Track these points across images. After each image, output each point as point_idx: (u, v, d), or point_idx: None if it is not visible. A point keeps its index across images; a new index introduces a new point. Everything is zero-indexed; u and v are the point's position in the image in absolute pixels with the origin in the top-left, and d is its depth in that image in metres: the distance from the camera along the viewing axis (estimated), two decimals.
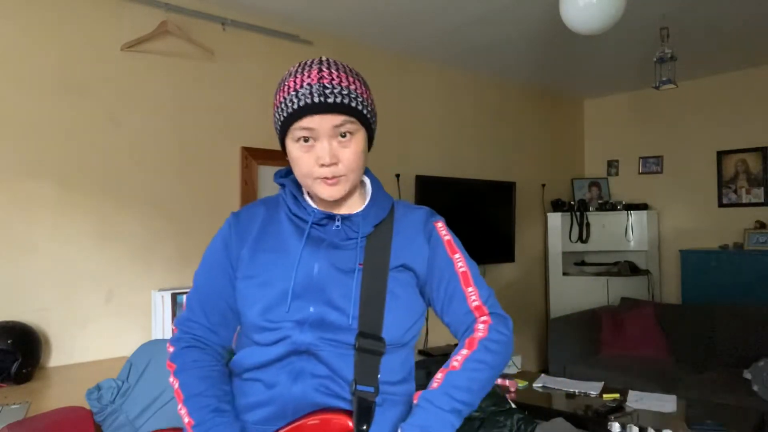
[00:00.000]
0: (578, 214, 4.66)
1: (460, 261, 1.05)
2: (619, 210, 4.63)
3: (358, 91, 0.98)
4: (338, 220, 1.03)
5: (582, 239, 4.65)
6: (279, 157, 3.04)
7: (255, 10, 2.97)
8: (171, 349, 1.05)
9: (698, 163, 4.51)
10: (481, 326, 1.01)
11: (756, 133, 4.22)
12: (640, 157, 4.85)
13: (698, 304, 3.96)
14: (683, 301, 4.28)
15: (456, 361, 0.98)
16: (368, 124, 1.00)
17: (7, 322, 2.17)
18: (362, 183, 1.12)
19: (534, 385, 2.87)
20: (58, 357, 2.37)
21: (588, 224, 4.66)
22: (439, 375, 0.97)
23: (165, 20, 2.61)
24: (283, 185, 1.08)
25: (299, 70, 0.99)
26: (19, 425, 1.57)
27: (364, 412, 0.94)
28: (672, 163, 4.68)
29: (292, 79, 0.98)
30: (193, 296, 1.08)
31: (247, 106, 2.99)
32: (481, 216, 4.06)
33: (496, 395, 2.38)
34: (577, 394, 2.74)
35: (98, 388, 1.85)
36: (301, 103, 0.95)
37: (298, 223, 1.05)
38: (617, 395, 2.65)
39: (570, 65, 4.13)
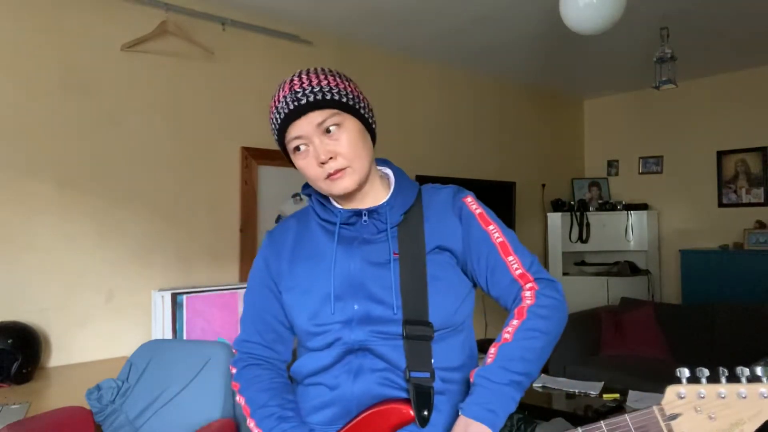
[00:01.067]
0: (578, 214, 4.66)
1: (496, 232, 1.04)
2: (619, 210, 4.63)
3: (332, 84, 0.99)
4: (365, 215, 1.04)
5: (582, 239, 4.65)
6: (279, 157, 3.03)
7: (255, 10, 2.97)
8: (233, 371, 1.10)
9: (698, 163, 4.51)
10: (528, 293, 0.99)
11: (756, 133, 4.22)
12: (640, 157, 4.85)
13: (698, 304, 3.95)
14: (683, 301, 4.28)
15: (507, 333, 0.96)
16: (354, 111, 1.00)
17: (7, 322, 2.17)
18: (385, 175, 1.13)
19: (534, 385, 2.87)
20: (58, 357, 2.37)
21: (588, 224, 4.66)
22: (492, 350, 0.95)
23: (165, 20, 2.60)
24: (309, 195, 1.10)
25: (278, 89, 1.02)
26: (19, 425, 1.57)
27: (422, 398, 0.94)
28: (672, 163, 4.68)
29: (273, 100, 1.02)
30: (245, 317, 1.12)
31: (247, 106, 2.99)
32: None
33: None
34: (577, 394, 2.74)
35: (98, 388, 1.85)
36: (282, 116, 0.99)
37: (328, 227, 1.06)
38: (617, 395, 2.65)
39: (570, 65, 4.13)
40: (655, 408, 0.77)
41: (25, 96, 2.33)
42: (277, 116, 1.00)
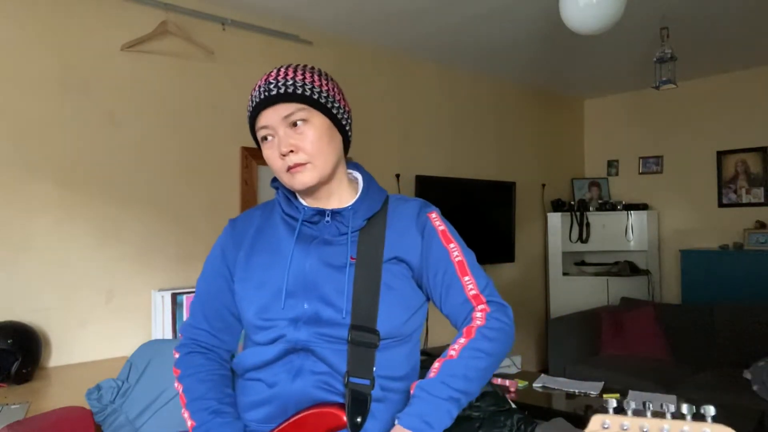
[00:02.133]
0: (578, 214, 4.66)
1: (456, 250, 1.05)
2: (619, 210, 4.63)
3: (307, 80, 0.99)
4: (328, 215, 1.04)
5: (582, 239, 4.65)
6: None
7: (255, 10, 2.97)
8: (176, 355, 1.09)
9: (698, 163, 4.51)
10: (479, 314, 1.00)
11: (756, 133, 4.22)
12: (640, 157, 4.85)
13: (698, 304, 3.95)
14: (683, 301, 4.28)
15: (453, 350, 0.97)
16: (324, 109, 1.00)
17: (7, 322, 2.17)
18: (355, 179, 1.13)
19: (534, 385, 2.87)
20: (58, 357, 2.37)
21: (588, 224, 4.66)
22: (436, 364, 0.97)
23: (165, 20, 2.61)
24: (276, 188, 1.10)
25: (259, 79, 1.04)
26: (19, 425, 1.57)
27: (358, 404, 0.94)
28: (672, 163, 4.68)
29: (252, 89, 1.05)
30: (195, 303, 1.13)
31: (247, 106, 2.98)
32: (481, 216, 4.06)
33: (496, 395, 2.38)
34: (577, 394, 2.73)
35: (98, 388, 1.85)
36: (252, 104, 1.03)
37: (291, 223, 1.06)
38: (617, 395, 2.65)
39: (570, 65, 4.13)
40: None
41: (25, 96, 2.33)
42: (250, 104, 1.03)
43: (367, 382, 0.96)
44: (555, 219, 4.70)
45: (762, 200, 4.19)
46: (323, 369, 0.97)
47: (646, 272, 4.54)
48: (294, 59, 3.18)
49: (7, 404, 1.83)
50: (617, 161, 5.02)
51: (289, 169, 0.99)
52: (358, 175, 1.13)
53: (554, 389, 2.82)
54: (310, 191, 1.04)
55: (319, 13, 3.05)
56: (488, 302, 1.02)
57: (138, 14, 2.60)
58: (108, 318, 2.51)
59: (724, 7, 3.03)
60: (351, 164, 1.14)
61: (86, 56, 2.49)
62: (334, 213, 1.04)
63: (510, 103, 4.56)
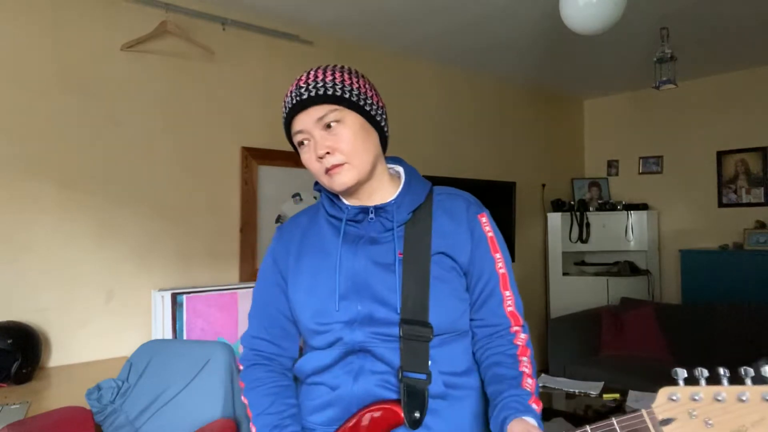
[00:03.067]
0: (578, 214, 4.66)
1: (500, 261, 1.05)
2: (619, 210, 4.62)
3: (337, 80, 0.99)
4: (372, 212, 1.03)
5: (582, 239, 4.65)
6: (279, 157, 3.04)
7: (255, 10, 2.97)
8: (240, 368, 1.11)
9: (698, 163, 4.51)
10: (523, 336, 1.05)
11: (756, 133, 4.22)
12: (640, 157, 4.85)
13: (698, 304, 3.95)
14: (683, 301, 4.28)
15: (528, 368, 1.02)
16: (357, 107, 1.00)
17: (7, 322, 2.17)
18: (396, 173, 1.12)
19: None
20: (58, 357, 2.37)
21: (588, 224, 4.66)
22: (530, 381, 0.99)
23: (165, 20, 2.60)
24: (320, 190, 1.09)
25: (291, 84, 1.03)
26: (19, 425, 1.57)
27: (414, 399, 0.93)
28: (672, 163, 4.68)
29: (284, 95, 1.03)
30: (252, 313, 1.12)
31: (247, 106, 2.99)
32: None
33: None
34: (577, 394, 2.74)
35: (98, 388, 1.84)
36: (286, 110, 1.01)
37: (336, 224, 1.06)
38: (617, 395, 2.65)
39: (570, 65, 4.13)
40: (644, 412, 0.70)
41: (25, 96, 2.33)
42: (284, 110, 1.02)
43: (423, 376, 0.94)
44: (555, 219, 4.69)
45: (762, 200, 4.19)
46: (382, 368, 0.97)
47: (646, 272, 4.54)
48: (294, 59, 3.18)
49: (7, 404, 1.83)
50: (617, 161, 5.02)
51: (328, 171, 0.99)
52: (400, 169, 1.12)
53: (554, 389, 2.82)
54: (351, 191, 1.03)
55: (319, 13, 3.05)
56: (523, 325, 1.06)
57: (138, 14, 2.60)
58: (108, 318, 2.51)
59: (724, 7, 3.03)
60: (392, 159, 1.13)
61: (86, 56, 2.49)
62: (378, 209, 1.03)
63: (510, 103, 4.56)
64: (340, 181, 0.99)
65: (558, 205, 4.73)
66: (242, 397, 1.07)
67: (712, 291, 4.04)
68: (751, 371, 0.64)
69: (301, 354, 1.10)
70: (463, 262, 1.03)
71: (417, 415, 0.92)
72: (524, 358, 1.01)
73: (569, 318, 4.01)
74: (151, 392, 1.84)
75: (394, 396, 0.96)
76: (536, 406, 0.94)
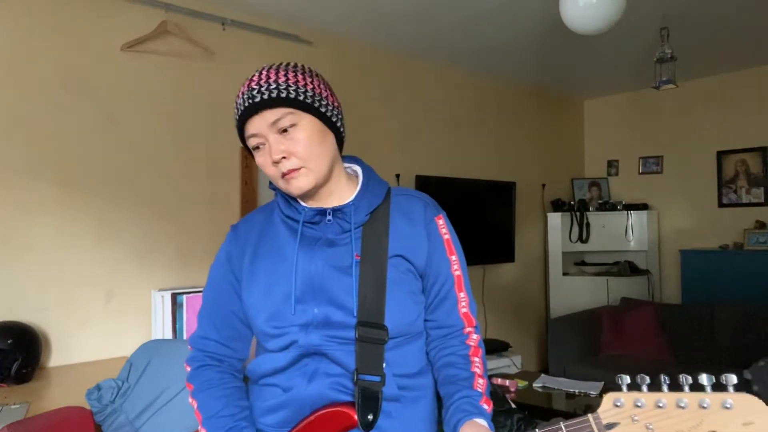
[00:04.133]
0: (578, 214, 4.66)
1: (456, 263, 1.05)
2: (619, 210, 4.62)
3: (290, 81, 0.95)
4: (329, 214, 1.02)
5: (582, 239, 4.65)
6: None
7: (255, 10, 2.97)
8: (188, 369, 1.07)
9: (698, 163, 4.51)
10: (475, 337, 1.05)
11: (756, 133, 4.22)
12: (640, 157, 4.85)
13: (698, 304, 3.95)
14: (683, 301, 4.28)
15: (479, 367, 1.03)
16: (312, 109, 0.97)
17: (7, 322, 2.17)
18: (354, 173, 1.11)
19: (534, 385, 2.87)
20: (58, 357, 2.37)
21: (588, 224, 4.66)
22: (481, 381, 1.00)
23: (165, 20, 2.61)
24: (275, 190, 1.08)
25: (242, 84, 1.00)
26: (19, 425, 1.57)
27: (368, 401, 0.93)
28: (672, 163, 4.68)
29: (236, 96, 1.00)
30: (202, 313, 1.09)
31: (233, 114, 2.98)
32: (481, 216, 4.06)
33: (496, 395, 2.38)
34: (577, 394, 2.74)
35: (98, 388, 1.85)
36: (238, 113, 0.98)
37: (293, 225, 1.04)
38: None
39: (570, 65, 4.13)
40: (590, 416, 0.74)
41: (25, 96, 2.33)
42: (236, 112, 0.99)
43: (377, 378, 0.94)
44: (555, 219, 4.69)
45: (762, 200, 4.19)
46: (337, 371, 0.96)
47: (646, 272, 4.54)
48: (294, 59, 3.16)
49: (7, 404, 1.83)
50: (617, 161, 5.02)
51: (284, 175, 0.97)
52: (358, 169, 1.10)
53: (554, 389, 2.82)
54: (309, 194, 1.01)
55: (319, 13, 3.05)
56: (476, 327, 1.07)
57: (138, 14, 2.60)
58: (108, 318, 2.51)
59: (724, 7, 3.03)
60: (349, 158, 1.12)
61: (86, 56, 2.49)
62: (335, 211, 1.02)
63: (510, 103, 4.56)
64: (297, 185, 0.97)
65: (558, 205, 4.73)
66: (190, 399, 1.04)
67: (712, 291, 4.04)
68: (689, 378, 0.68)
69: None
70: (420, 265, 1.02)
71: (370, 417, 0.93)
72: (476, 359, 1.02)
73: (569, 318, 4.01)
74: (151, 392, 1.84)
75: (347, 398, 0.96)
76: (487, 407, 0.96)
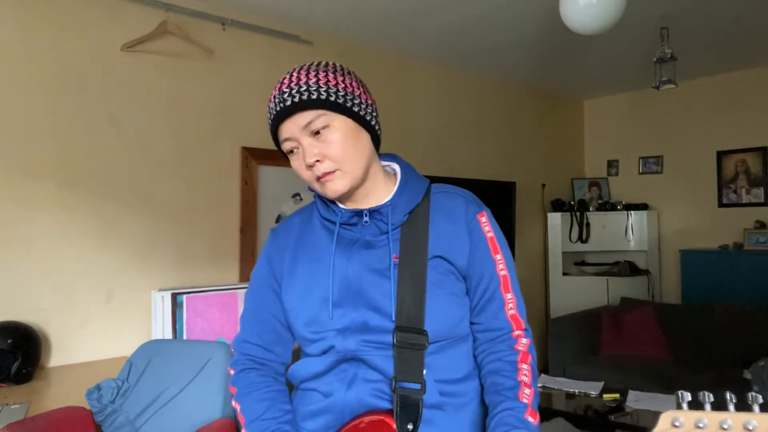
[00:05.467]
0: (578, 214, 4.66)
1: (501, 263, 1.02)
2: (619, 210, 4.63)
3: (321, 82, 0.93)
4: (366, 215, 0.99)
5: (582, 239, 4.65)
6: (279, 157, 3.03)
7: (255, 10, 2.97)
8: (231, 372, 1.06)
9: (698, 163, 4.51)
10: (525, 341, 1.01)
11: (756, 133, 4.22)
12: (640, 157, 4.85)
13: (698, 304, 3.95)
14: (683, 301, 4.28)
15: (527, 376, 0.98)
16: (345, 109, 0.94)
17: (7, 322, 2.17)
18: (393, 171, 1.08)
19: None
20: (58, 357, 2.37)
21: (588, 224, 4.66)
22: (527, 391, 0.96)
23: (165, 20, 2.60)
24: (313, 191, 1.05)
25: (273, 87, 0.98)
26: (19, 425, 1.57)
27: (407, 410, 0.90)
28: (672, 163, 4.68)
29: (268, 99, 0.99)
30: (245, 316, 1.08)
31: (247, 106, 2.99)
32: None
33: None
34: (577, 394, 2.74)
35: (98, 388, 1.85)
36: (272, 118, 0.96)
37: (330, 227, 1.02)
38: (617, 395, 2.65)
39: (570, 65, 4.13)
40: None
41: (25, 96, 2.33)
42: (269, 117, 0.97)
43: (417, 386, 0.91)
44: (555, 219, 4.69)
45: (762, 200, 4.19)
46: (376, 377, 0.94)
47: (646, 272, 4.54)
48: (294, 59, 3.18)
49: (7, 404, 1.83)
50: (617, 161, 5.02)
51: (319, 178, 0.95)
52: (397, 167, 1.07)
53: (554, 389, 2.82)
54: (346, 195, 0.99)
55: (320, 13, 3.05)
56: (525, 330, 1.02)
57: (138, 14, 2.60)
58: (108, 318, 2.51)
59: (724, 7, 3.03)
60: (388, 156, 1.09)
61: (86, 56, 2.49)
62: (372, 212, 0.99)
63: (510, 103, 4.56)
64: (333, 188, 0.95)
65: (558, 205, 4.73)
66: (233, 402, 1.03)
67: (712, 291, 4.04)
68: (760, 398, 0.62)
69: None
70: (462, 266, 0.99)
71: (410, 426, 0.90)
72: (524, 366, 0.98)
73: (569, 318, 4.01)
74: (151, 392, 1.84)
75: (387, 405, 0.93)
76: (532, 419, 0.92)
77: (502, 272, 1.01)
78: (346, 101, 0.94)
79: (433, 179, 1.11)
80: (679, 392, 0.66)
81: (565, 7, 2.32)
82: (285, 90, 0.93)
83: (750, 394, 0.62)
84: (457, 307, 0.98)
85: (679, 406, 0.65)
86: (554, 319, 4.05)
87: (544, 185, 4.83)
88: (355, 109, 0.95)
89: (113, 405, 1.83)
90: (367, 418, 0.92)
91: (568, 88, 4.85)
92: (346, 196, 0.99)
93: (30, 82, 2.35)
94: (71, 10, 2.45)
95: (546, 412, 2.50)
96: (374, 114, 1.00)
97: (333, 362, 0.96)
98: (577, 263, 4.84)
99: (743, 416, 0.61)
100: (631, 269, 4.52)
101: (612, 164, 5.05)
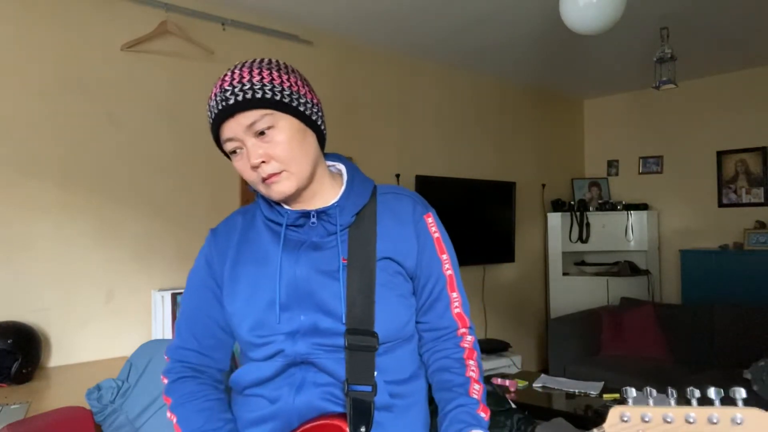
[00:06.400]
0: (578, 214, 4.66)
1: (447, 262, 1.01)
2: (619, 210, 4.62)
3: (265, 80, 0.90)
4: (313, 217, 0.96)
5: (582, 239, 4.65)
6: None
7: (255, 10, 2.97)
8: (165, 381, 1.01)
9: (698, 163, 4.51)
10: (469, 339, 1.02)
11: (756, 133, 4.22)
12: (640, 157, 4.85)
13: (698, 304, 3.95)
14: (683, 301, 4.28)
15: (474, 372, 0.99)
16: (290, 109, 0.91)
17: (7, 322, 2.17)
18: (338, 171, 1.05)
19: (534, 385, 2.87)
20: (58, 357, 2.37)
21: (588, 224, 4.66)
22: (476, 387, 0.97)
23: (165, 20, 2.61)
24: (255, 191, 1.02)
25: (214, 84, 0.94)
26: (19, 425, 1.57)
27: (360, 413, 0.89)
28: (672, 163, 4.68)
29: (208, 97, 0.95)
30: (181, 321, 1.03)
31: (206, 117, 2.98)
32: (481, 216, 4.06)
33: (496, 395, 2.38)
34: (577, 394, 2.74)
35: (98, 388, 1.85)
36: (213, 117, 0.92)
37: (275, 228, 0.99)
38: (617, 395, 2.65)
39: (570, 65, 4.13)
40: (595, 430, 0.72)
41: (25, 96, 2.33)
42: (209, 116, 0.93)
43: (368, 388, 0.90)
44: (555, 219, 4.70)
45: (762, 200, 4.19)
46: (326, 380, 0.92)
47: (646, 272, 4.54)
48: (294, 59, 3.18)
49: (7, 404, 1.83)
50: (617, 161, 5.02)
51: (264, 180, 0.91)
52: (342, 167, 1.04)
53: (554, 389, 2.82)
54: (292, 197, 0.95)
55: (319, 13, 3.05)
56: (470, 328, 1.03)
57: (138, 14, 2.60)
58: (108, 318, 2.51)
59: (724, 7, 3.03)
60: (332, 156, 1.06)
61: (86, 56, 2.49)
62: (320, 213, 0.96)
63: (510, 103, 4.56)
64: (279, 190, 0.92)
65: (558, 205, 4.73)
66: (168, 414, 0.97)
67: (712, 291, 4.04)
68: (697, 392, 0.66)
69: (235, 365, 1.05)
70: (410, 267, 0.98)
71: (363, 429, 0.88)
72: (471, 362, 0.99)
73: (569, 318, 4.01)
74: (151, 392, 1.84)
75: (338, 409, 0.92)
76: (484, 415, 0.93)
77: (448, 272, 1.02)
78: (291, 101, 0.91)
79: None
80: (625, 388, 0.71)
81: (565, 7, 2.32)
82: (227, 88, 0.90)
83: (689, 389, 0.66)
84: (405, 308, 0.98)
85: (625, 401, 0.69)
86: (554, 319, 4.05)
87: (544, 185, 4.83)
88: (301, 108, 0.92)
89: (113, 405, 1.83)
90: (318, 422, 0.91)
91: (567, 88, 4.85)
92: (292, 198, 0.96)
93: (30, 81, 2.35)
94: (71, 10, 2.45)
95: (546, 412, 2.50)
96: (320, 114, 0.98)
97: (281, 367, 0.93)
98: (577, 263, 4.84)
99: (684, 410, 0.65)
100: (631, 269, 4.52)
101: (612, 164, 5.05)
